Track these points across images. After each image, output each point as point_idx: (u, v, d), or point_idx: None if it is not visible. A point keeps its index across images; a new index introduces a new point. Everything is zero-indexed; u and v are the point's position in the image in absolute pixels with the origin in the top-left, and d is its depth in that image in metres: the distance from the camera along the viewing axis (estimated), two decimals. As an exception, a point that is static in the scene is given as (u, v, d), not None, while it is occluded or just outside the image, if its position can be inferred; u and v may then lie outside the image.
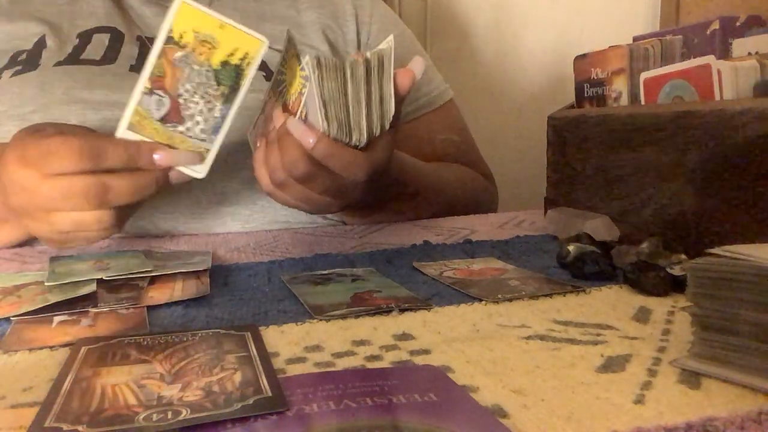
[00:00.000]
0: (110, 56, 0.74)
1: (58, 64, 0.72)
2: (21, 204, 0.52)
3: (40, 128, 0.53)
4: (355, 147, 0.52)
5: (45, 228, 0.52)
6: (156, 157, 0.51)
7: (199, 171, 0.54)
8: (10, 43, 0.75)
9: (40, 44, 0.74)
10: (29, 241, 0.67)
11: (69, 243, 0.55)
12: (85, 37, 0.75)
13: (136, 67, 0.74)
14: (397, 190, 0.73)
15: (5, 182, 0.52)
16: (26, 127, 0.54)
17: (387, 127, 0.52)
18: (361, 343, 0.36)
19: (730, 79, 0.51)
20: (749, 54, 0.58)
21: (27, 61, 0.73)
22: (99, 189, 0.49)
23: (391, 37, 0.52)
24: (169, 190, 0.56)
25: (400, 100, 0.52)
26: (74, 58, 0.73)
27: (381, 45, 0.52)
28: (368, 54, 0.51)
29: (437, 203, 0.80)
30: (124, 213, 0.53)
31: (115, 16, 0.78)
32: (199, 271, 0.50)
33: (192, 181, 0.72)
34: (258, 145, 0.57)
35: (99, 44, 0.75)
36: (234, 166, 0.72)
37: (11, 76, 0.72)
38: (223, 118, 0.52)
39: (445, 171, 0.84)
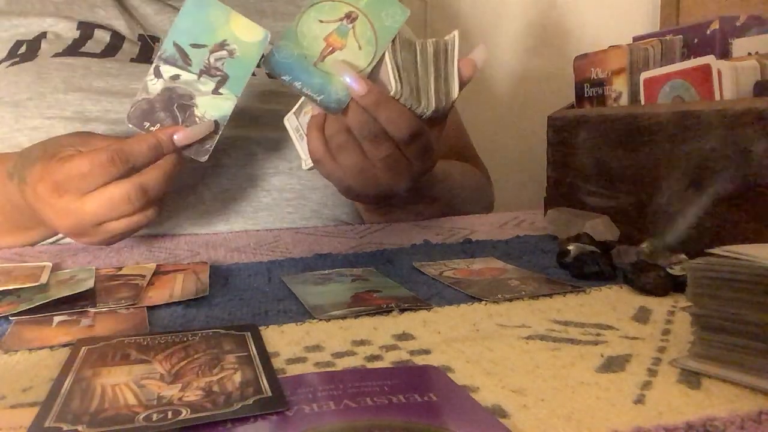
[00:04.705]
0: (110, 52, 0.74)
1: (57, 55, 0.72)
2: (71, 227, 0.54)
3: (55, 152, 0.54)
4: (421, 117, 0.54)
5: (102, 237, 0.56)
6: (176, 137, 0.54)
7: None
8: (10, 36, 0.75)
9: (41, 37, 0.74)
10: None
11: (120, 239, 0.58)
12: (88, 30, 0.75)
13: (137, 60, 0.74)
14: (425, 193, 0.73)
15: (48, 214, 0.54)
16: (42, 152, 0.55)
17: (450, 105, 0.56)
18: (361, 343, 0.36)
19: (730, 79, 0.51)
20: (749, 54, 0.58)
21: (26, 52, 0.73)
22: (138, 191, 0.53)
23: (456, 31, 0.56)
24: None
25: (462, 85, 0.56)
26: (73, 50, 0.73)
27: (446, 36, 0.55)
28: (433, 40, 0.55)
29: (452, 205, 0.80)
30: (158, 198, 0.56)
31: (117, 16, 0.77)
32: (199, 270, 0.51)
33: (196, 180, 0.72)
34: (313, 114, 0.58)
35: (100, 40, 0.75)
36: (238, 162, 0.72)
37: (8, 66, 0.72)
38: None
39: (457, 171, 0.84)
